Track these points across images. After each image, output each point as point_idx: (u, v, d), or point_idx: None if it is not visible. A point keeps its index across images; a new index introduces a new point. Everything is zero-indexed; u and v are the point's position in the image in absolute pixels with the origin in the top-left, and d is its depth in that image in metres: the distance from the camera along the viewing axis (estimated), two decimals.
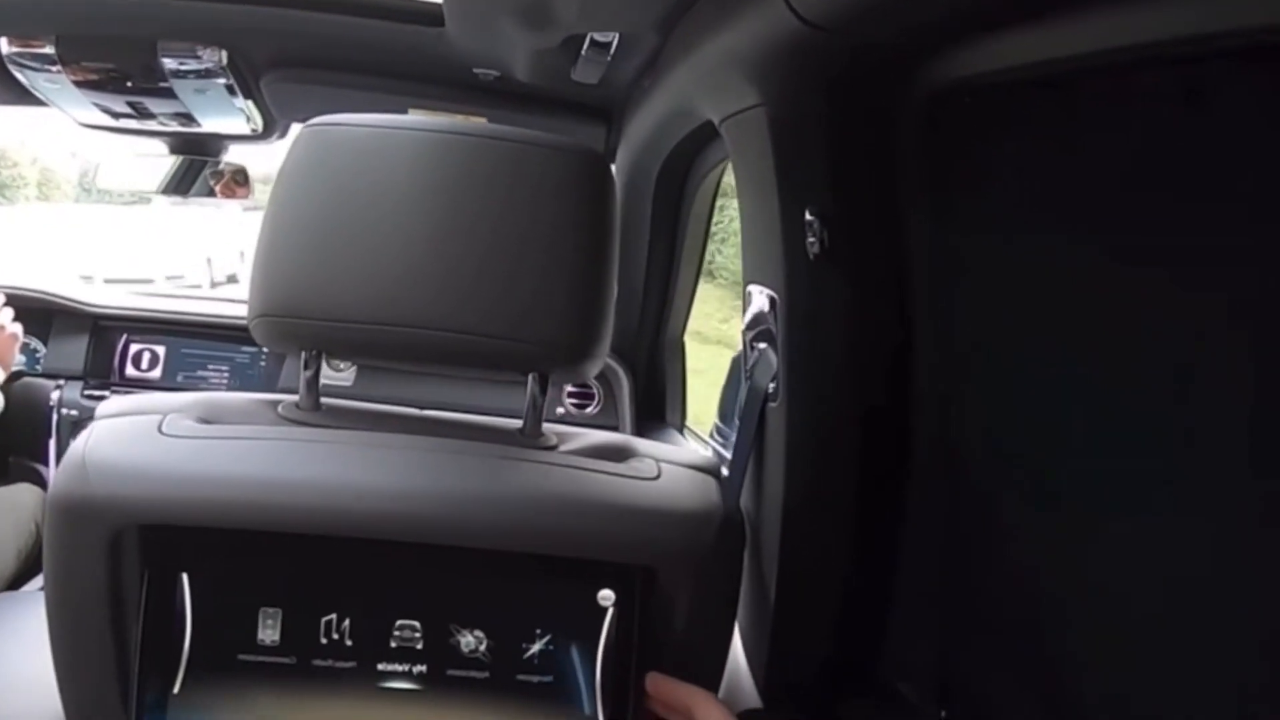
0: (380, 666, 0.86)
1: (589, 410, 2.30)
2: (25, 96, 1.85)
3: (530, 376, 0.96)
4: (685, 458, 0.97)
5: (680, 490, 0.91)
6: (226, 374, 2.33)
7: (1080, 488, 0.81)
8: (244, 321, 2.03)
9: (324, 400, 0.96)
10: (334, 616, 0.86)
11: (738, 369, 2.43)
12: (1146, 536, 0.73)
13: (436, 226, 0.89)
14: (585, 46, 1.37)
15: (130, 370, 2.32)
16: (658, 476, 0.91)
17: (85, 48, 1.66)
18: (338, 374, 2.26)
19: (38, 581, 2.02)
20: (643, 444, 0.99)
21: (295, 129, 2.08)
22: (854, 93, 0.96)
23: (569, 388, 2.29)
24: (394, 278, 0.88)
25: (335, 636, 0.86)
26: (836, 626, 1.11)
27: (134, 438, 0.85)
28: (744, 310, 1.15)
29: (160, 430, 0.86)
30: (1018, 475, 0.90)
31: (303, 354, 0.94)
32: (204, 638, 0.84)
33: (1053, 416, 0.84)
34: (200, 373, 2.33)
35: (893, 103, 0.96)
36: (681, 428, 2.34)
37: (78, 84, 1.75)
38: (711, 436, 2.35)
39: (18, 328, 1.90)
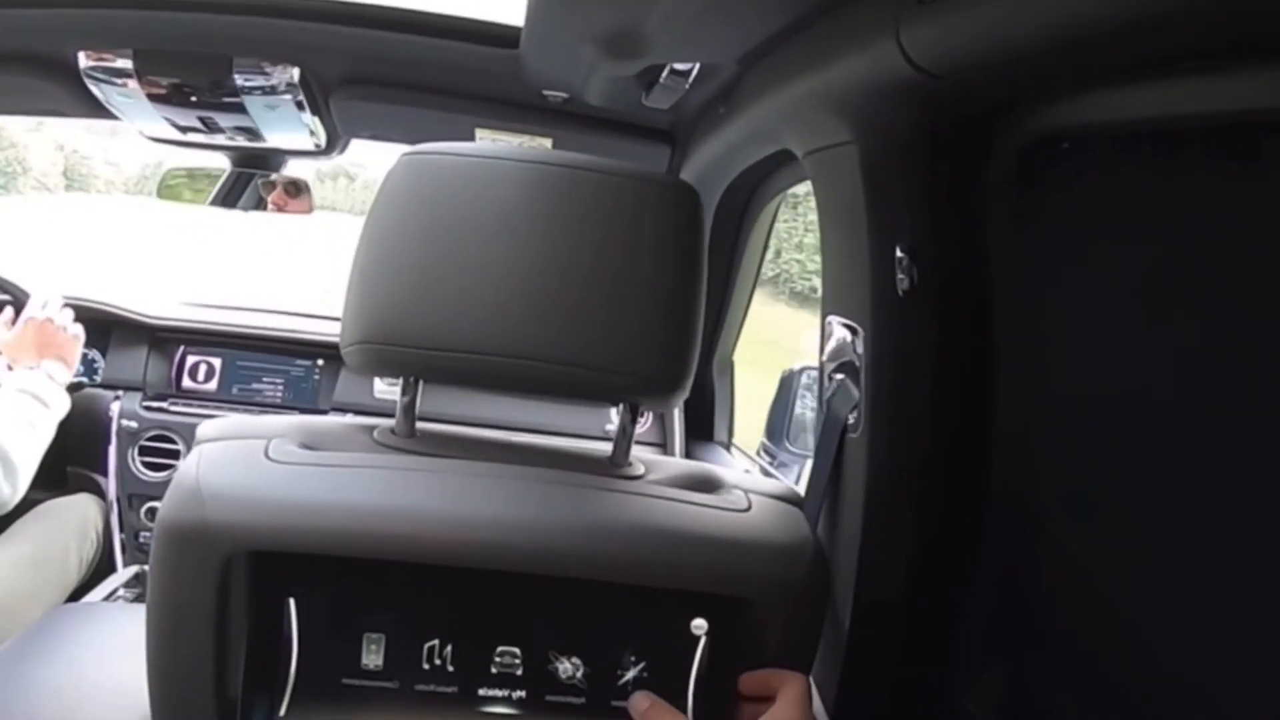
0: (481, 691, 0.87)
1: (639, 428, 2.30)
2: (98, 110, 1.86)
3: (621, 406, 0.97)
4: (769, 488, 0.98)
5: (771, 522, 0.92)
6: (281, 387, 2.35)
7: (1149, 527, 0.82)
8: (298, 334, 2.05)
9: (419, 426, 0.97)
10: (436, 642, 0.87)
11: (786, 387, 2.43)
12: (1214, 570, 0.74)
13: (534, 256, 0.90)
14: (664, 74, 1.38)
15: (187, 382, 2.33)
16: (749, 508, 0.92)
17: (162, 63, 1.67)
18: (391, 388, 2.27)
19: (99, 591, 2.03)
20: (726, 474, 1.00)
21: (355, 145, 2.11)
22: (951, 135, 0.97)
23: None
24: (492, 307, 0.89)
25: (437, 662, 0.87)
26: (907, 651, 1.11)
27: (244, 464, 0.86)
28: (822, 341, 1.16)
29: (267, 456, 0.87)
30: (1090, 513, 0.91)
31: (401, 381, 0.95)
32: (309, 662, 0.85)
33: (1133, 460, 0.85)
34: (255, 385, 2.34)
35: (989, 147, 0.97)
36: (729, 446, 2.36)
37: (151, 97, 1.76)
38: (759, 454, 2.35)
39: (79, 329, 1.92)
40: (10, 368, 1.81)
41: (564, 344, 0.90)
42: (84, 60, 1.67)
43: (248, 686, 0.85)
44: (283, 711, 0.85)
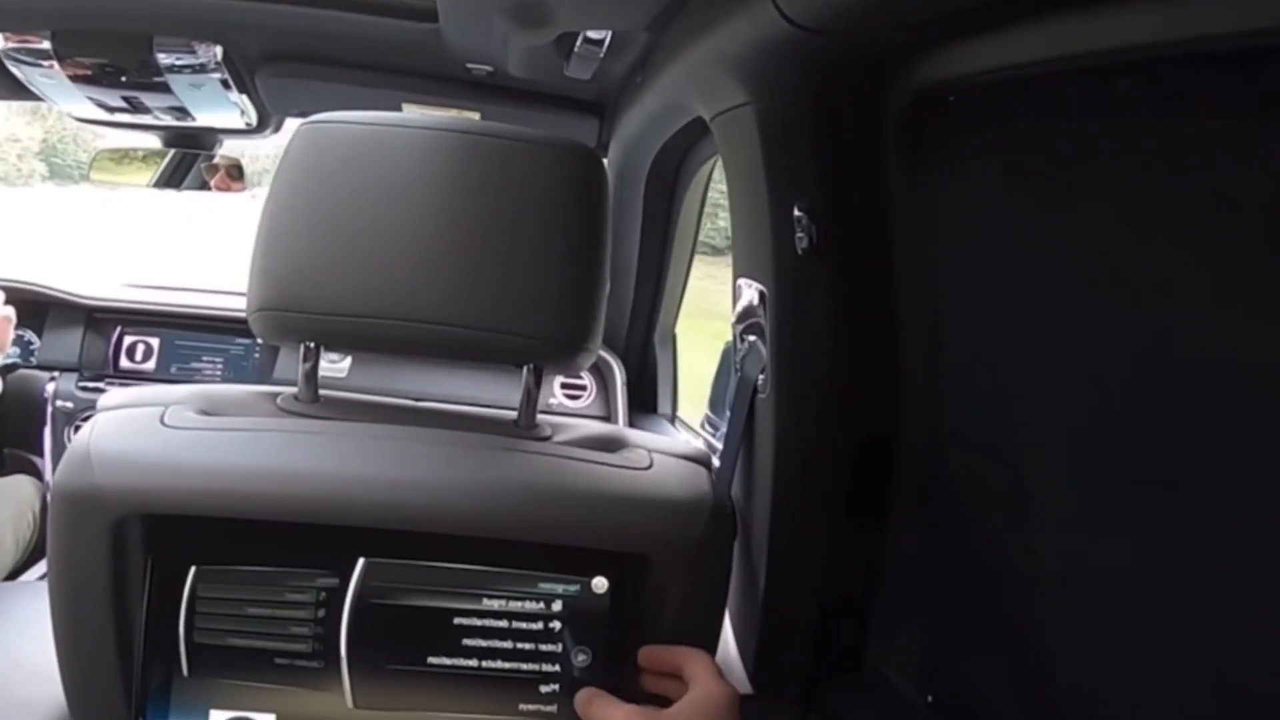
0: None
1: (581, 402, 2.31)
2: (21, 91, 1.86)
3: (525, 369, 0.98)
4: (676, 448, 0.99)
5: (671, 480, 0.93)
6: (221, 366, 2.34)
7: (1064, 476, 0.83)
8: (237, 314, 2.06)
9: (322, 392, 0.98)
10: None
11: (728, 359, 2.45)
12: (1133, 525, 0.74)
13: (432, 222, 0.91)
14: (578, 43, 1.39)
15: (125, 362, 2.32)
16: (649, 466, 0.94)
17: (81, 43, 1.66)
18: (333, 365, 2.27)
19: (36, 571, 2.03)
20: (635, 435, 1.01)
21: (289, 124, 2.11)
22: (841, 92, 0.98)
23: (561, 380, 2.30)
24: (391, 272, 0.91)
25: None
26: (825, 615, 1.12)
27: (136, 430, 0.87)
28: (734, 303, 1.17)
29: (162, 422, 0.88)
30: (1003, 465, 0.91)
31: (301, 347, 0.96)
32: (205, 625, 0.86)
33: (1037, 408, 0.86)
34: (194, 364, 2.34)
35: (879, 102, 0.97)
36: (673, 419, 2.36)
37: (73, 79, 1.75)
38: (702, 426, 2.37)
39: (10, 311, 1.90)
40: None
41: (465, 307, 0.91)
42: (2, 43, 1.66)
43: (147, 653, 0.86)
44: (182, 674, 0.86)
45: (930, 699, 1.03)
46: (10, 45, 1.67)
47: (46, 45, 1.66)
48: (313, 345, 0.96)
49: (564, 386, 2.31)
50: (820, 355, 1.05)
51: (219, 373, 2.33)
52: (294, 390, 0.99)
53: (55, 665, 0.90)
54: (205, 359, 2.34)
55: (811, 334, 1.05)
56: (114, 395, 0.95)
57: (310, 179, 0.93)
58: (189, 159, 2.20)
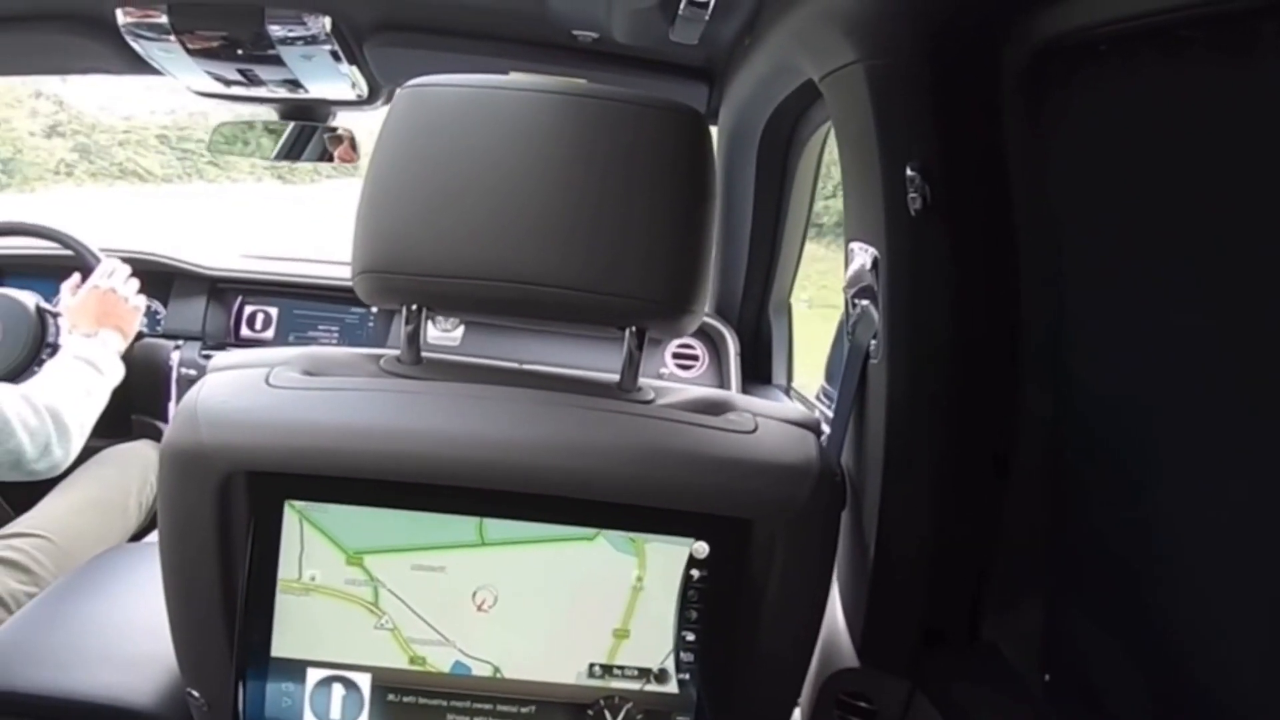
0: None
1: (693, 372, 2.29)
2: (141, 65, 1.91)
3: (627, 331, 0.98)
4: (784, 413, 0.98)
5: (777, 444, 0.92)
6: (336, 334, 2.38)
7: (1192, 452, 0.79)
8: (349, 282, 2.08)
9: (424, 355, 0.99)
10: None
11: (843, 330, 2.39)
12: (1266, 507, 0.70)
13: (535, 183, 0.91)
14: (683, 5, 1.36)
15: (245, 331, 2.38)
16: (754, 430, 0.93)
17: (196, 16, 1.70)
18: (445, 334, 2.30)
19: (156, 534, 2.10)
20: (741, 399, 1.01)
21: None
22: (955, 47, 0.94)
23: (673, 349, 2.28)
24: (494, 234, 0.91)
25: None
26: (936, 586, 1.10)
27: (242, 389, 0.90)
28: (846, 267, 1.14)
29: (267, 382, 0.91)
30: (1130, 439, 0.88)
31: (404, 309, 0.97)
32: (302, 572, 0.91)
33: (1162, 375, 0.82)
34: (311, 333, 2.38)
35: (995, 56, 0.94)
36: (788, 390, 2.33)
37: (191, 52, 1.79)
38: (818, 398, 2.33)
39: (141, 300, 1.96)
40: (69, 331, 1.87)
41: (568, 269, 0.91)
42: (122, 17, 1.70)
43: (249, 606, 0.90)
44: (274, 621, 0.91)
45: (1047, 678, 1.00)
46: (130, 20, 1.71)
47: (164, 19, 1.70)
48: (415, 308, 0.97)
49: (675, 356, 2.28)
50: (935, 319, 1.02)
51: (335, 341, 2.37)
52: (397, 352, 1.00)
53: (164, 624, 0.95)
54: (321, 328, 2.38)
55: (926, 297, 1.02)
56: (223, 357, 0.98)
57: (413, 141, 0.94)
58: (308, 131, 2.22)
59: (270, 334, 2.39)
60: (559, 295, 0.92)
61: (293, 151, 2.27)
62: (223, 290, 2.40)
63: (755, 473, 0.90)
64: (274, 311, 2.39)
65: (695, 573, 0.92)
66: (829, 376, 2.37)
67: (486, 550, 0.92)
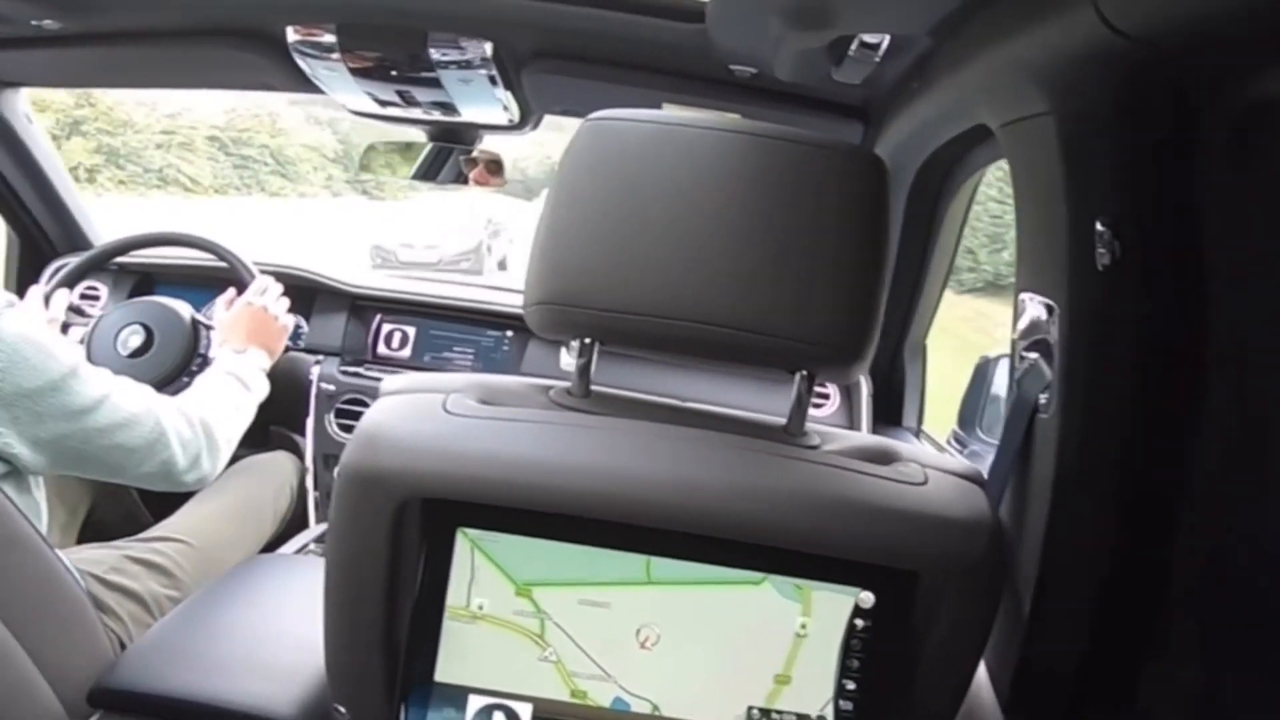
0: None
1: (824, 410, 2.27)
2: (304, 84, 1.95)
3: (797, 375, 0.97)
4: (950, 465, 0.96)
5: (948, 498, 0.91)
6: (471, 356, 2.40)
7: None
8: (487, 305, 2.11)
9: (595, 388, 0.99)
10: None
11: (982, 375, 2.34)
12: None
13: (714, 222, 0.91)
14: (853, 47, 1.34)
15: (382, 349, 2.41)
16: (924, 482, 0.92)
17: (362, 36, 1.73)
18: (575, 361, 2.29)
19: (292, 544, 2.12)
20: (904, 448, 0.99)
21: (548, 121, 2.14)
22: (1158, 102, 0.91)
23: None
24: (670, 271, 0.91)
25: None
26: (1093, 645, 1.06)
27: (420, 415, 0.91)
28: (1015, 318, 1.11)
29: (445, 408, 0.91)
30: None
31: (577, 342, 0.97)
32: (470, 599, 0.92)
33: None
34: (446, 354, 2.40)
35: (1198, 113, 0.91)
36: (918, 432, 2.29)
37: (353, 71, 1.83)
38: (948, 442, 2.28)
39: (290, 320, 2.00)
40: (220, 345, 1.90)
41: (742, 309, 0.90)
42: (291, 34, 1.75)
43: (415, 630, 0.91)
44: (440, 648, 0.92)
45: None
46: (298, 38, 1.75)
47: (331, 38, 1.74)
48: (588, 341, 0.97)
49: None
50: (1116, 376, 0.99)
51: (469, 363, 2.39)
52: (566, 384, 1.00)
53: (314, 636, 0.96)
54: (457, 349, 2.40)
55: (1108, 353, 0.99)
56: (395, 380, 0.98)
57: (595, 175, 0.94)
58: (445, 153, 2.25)
59: (407, 353, 2.41)
60: (731, 336, 0.91)
61: (429, 172, 2.29)
62: (362, 308, 2.43)
63: (927, 526, 0.89)
64: (411, 331, 2.42)
65: (859, 622, 0.92)
66: (962, 422, 2.31)
67: (653, 588, 0.92)
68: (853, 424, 2.23)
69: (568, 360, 2.33)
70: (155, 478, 1.46)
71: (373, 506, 0.89)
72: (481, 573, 0.92)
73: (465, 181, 2.31)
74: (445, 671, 0.93)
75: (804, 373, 0.97)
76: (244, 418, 1.69)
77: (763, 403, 2.22)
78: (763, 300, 0.90)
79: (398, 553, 0.91)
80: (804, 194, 0.91)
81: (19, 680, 1.14)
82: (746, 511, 0.88)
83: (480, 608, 0.92)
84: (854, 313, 0.92)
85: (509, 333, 2.40)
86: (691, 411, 1.01)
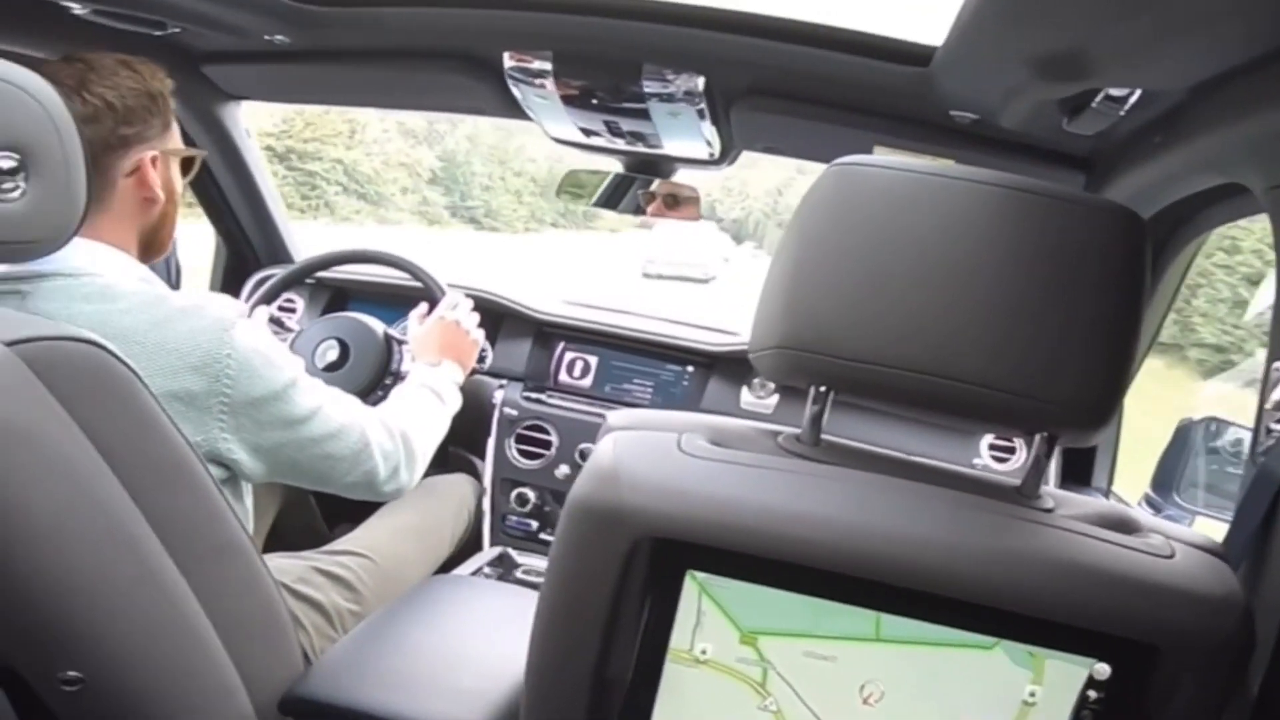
0: None
1: (1008, 465, 2.20)
2: (514, 110, 1.98)
3: (1038, 436, 0.93)
4: (1191, 537, 0.92)
5: (1196, 572, 0.87)
6: (650, 389, 2.39)
7: None
8: (669, 339, 2.09)
9: (823, 437, 0.97)
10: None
11: (1182, 439, 2.22)
12: None
13: (961, 275, 0.87)
14: (1098, 100, 1.28)
15: (564, 376, 2.42)
16: (1172, 555, 0.88)
17: (576, 65, 1.74)
18: (759, 400, 2.27)
19: (467, 566, 2.14)
20: (1143, 517, 0.95)
21: (746, 157, 2.11)
22: None
23: (990, 438, 2.20)
24: (915, 323, 0.88)
25: None
26: None
27: (657, 453, 0.91)
28: (1264, 389, 1.04)
29: (680, 448, 0.91)
30: None
31: (812, 390, 0.95)
32: (693, 642, 0.92)
33: None
34: (626, 385, 2.40)
35: None
36: (1107, 493, 2.20)
37: (564, 99, 1.84)
38: (1140, 505, 2.17)
39: (481, 335, 2.01)
40: (413, 359, 1.93)
41: (988, 367, 0.87)
42: (508, 61, 1.77)
43: (638, 669, 0.91)
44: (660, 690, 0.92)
45: None
46: (515, 64, 1.77)
47: (546, 65, 1.75)
48: (823, 389, 0.95)
49: (992, 447, 2.20)
50: None
51: (648, 396, 2.38)
52: (795, 431, 0.98)
53: (499, 661, 1.03)
54: (636, 381, 2.40)
55: None
56: (623, 415, 0.99)
57: (839, 221, 0.91)
58: (626, 182, 2.24)
59: (588, 382, 2.42)
60: (972, 393, 0.88)
61: (609, 201, 2.29)
62: (548, 335, 2.45)
63: (1175, 600, 0.84)
64: (594, 360, 2.43)
65: (1092, 694, 0.88)
66: (1157, 485, 2.20)
67: (881, 646, 0.89)
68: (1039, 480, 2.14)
69: (749, 399, 2.31)
70: (358, 487, 1.48)
71: (605, 542, 0.89)
72: (707, 617, 0.90)
73: (642, 213, 2.30)
74: (662, 713, 0.93)
75: (1044, 434, 0.93)
76: (439, 430, 1.70)
77: (955, 451, 2.16)
78: (1011, 358, 0.87)
79: (622, 590, 0.90)
80: (1059, 250, 0.87)
81: (220, 684, 1.16)
82: (982, 573, 0.85)
83: (704, 652, 0.91)
84: (1107, 375, 0.88)
85: (689, 368, 2.40)
86: (921, 466, 0.98)
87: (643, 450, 0.91)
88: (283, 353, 1.34)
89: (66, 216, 1.04)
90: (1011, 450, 2.19)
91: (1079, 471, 2.18)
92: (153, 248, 1.41)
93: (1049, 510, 0.93)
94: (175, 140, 1.40)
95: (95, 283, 1.24)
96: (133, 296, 1.24)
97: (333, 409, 1.42)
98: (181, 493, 1.11)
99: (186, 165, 1.44)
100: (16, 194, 0.99)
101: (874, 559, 0.85)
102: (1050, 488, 0.99)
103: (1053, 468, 2.13)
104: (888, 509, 0.88)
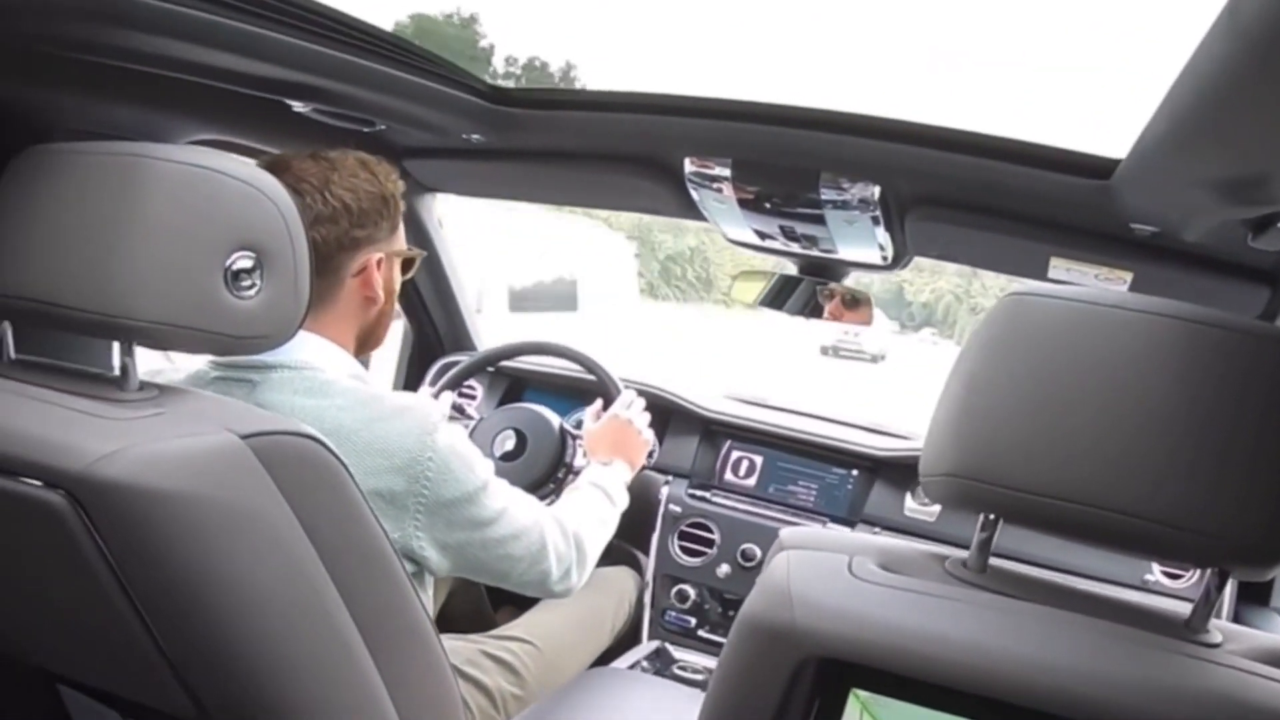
0: None
1: (1180, 583, 2.10)
2: (690, 211, 2.04)
3: (1209, 571, 0.90)
4: None
5: None
6: (814, 492, 2.37)
7: None
8: (837, 443, 2.08)
9: (991, 562, 0.97)
10: None
11: None
12: None
13: (1137, 407, 0.86)
14: None
15: (729, 475, 2.43)
16: None
17: (757, 172, 1.79)
18: (922, 508, 2.23)
19: (624, 659, 2.15)
20: None
21: (917, 262, 2.12)
22: None
23: None
24: (1080, 455, 0.87)
25: None
26: None
27: (830, 575, 0.92)
28: None
29: (850, 570, 0.92)
30: None
31: (981, 517, 0.95)
32: None
33: None
34: (790, 487, 2.39)
35: None
36: None
37: (741, 203, 1.89)
38: None
39: (651, 435, 2.04)
40: (585, 455, 1.97)
41: (1152, 499, 0.84)
42: (688, 166, 1.83)
43: None
44: None
45: None
46: (695, 169, 1.83)
47: (725, 172, 1.80)
48: (993, 518, 0.95)
49: (1162, 563, 2.11)
50: None
51: (812, 499, 2.37)
52: (962, 556, 0.98)
53: None
54: (801, 483, 2.39)
55: None
56: (796, 534, 1.00)
57: (1012, 351, 0.91)
58: (794, 283, 2.26)
59: (752, 482, 2.42)
60: (1141, 527, 0.85)
61: (776, 300, 2.30)
62: (714, 433, 2.47)
63: None
64: (759, 460, 2.43)
65: None
66: None
67: None
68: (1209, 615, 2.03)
69: (912, 505, 2.27)
70: (531, 585, 1.52)
71: (774, 659, 0.90)
72: None
73: (819, 315, 2.30)
74: None
75: (1215, 569, 0.90)
76: (608, 531, 1.73)
77: (1121, 564, 2.08)
78: (1176, 492, 0.84)
79: (786, 703, 0.91)
80: (1240, 384, 0.85)
81: None
82: (1139, 709, 0.82)
83: None
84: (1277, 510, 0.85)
85: (854, 471, 2.37)
86: (1086, 596, 0.96)
87: (815, 572, 0.92)
88: (477, 455, 1.39)
89: (293, 313, 1.12)
90: (1185, 567, 2.10)
91: (1258, 590, 2.06)
92: (368, 344, 1.50)
93: (1215, 645, 0.90)
94: (400, 242, 1.48)
95: (316, 377, 1.32)
96: (348, 394, 1.32)
97: (516, 510, 1.45)
98: (377, 579, 1.16)
99: (406, 265, 1.51)
100: (253, 291, 1.06)
101: (1033, 689, 0.84)
102: (1221, 621, 0.96)
103: (1229, 587, 2.02)
104: (1050, 641, 0.86)
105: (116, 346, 1.06)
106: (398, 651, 1.19)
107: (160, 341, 1.05)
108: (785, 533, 1.01)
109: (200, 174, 1.03)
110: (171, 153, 1.04)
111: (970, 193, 1.72)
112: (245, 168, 1.07)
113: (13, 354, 1.13)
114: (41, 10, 1.07)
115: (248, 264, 1.06)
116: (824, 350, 20.30)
